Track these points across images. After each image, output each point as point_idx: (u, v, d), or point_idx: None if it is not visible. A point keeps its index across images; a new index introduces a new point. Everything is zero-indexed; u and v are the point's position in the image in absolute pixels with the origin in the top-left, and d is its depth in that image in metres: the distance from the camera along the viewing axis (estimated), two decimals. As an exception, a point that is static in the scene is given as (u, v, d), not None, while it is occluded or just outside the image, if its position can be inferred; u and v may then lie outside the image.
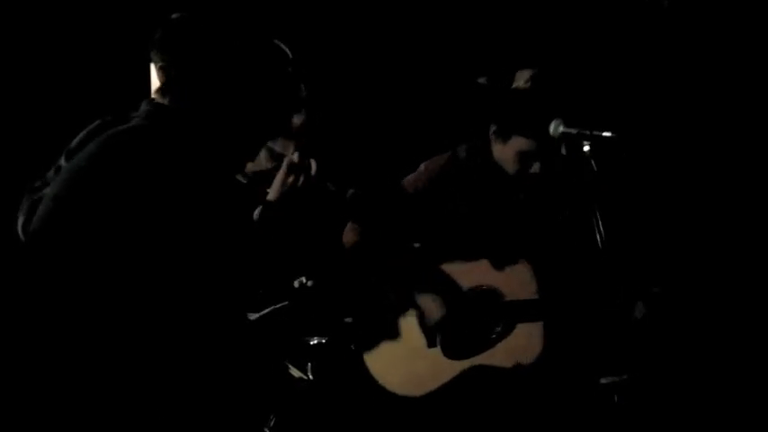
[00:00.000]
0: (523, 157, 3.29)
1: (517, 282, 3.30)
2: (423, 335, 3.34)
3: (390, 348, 3.39)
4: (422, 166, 3.49)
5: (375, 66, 4.34)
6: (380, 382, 3.39)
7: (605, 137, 2.92)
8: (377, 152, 4.16)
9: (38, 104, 3.91)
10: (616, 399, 3.12)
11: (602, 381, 3.18)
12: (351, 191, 3.35)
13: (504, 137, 3.32)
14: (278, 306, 3.24)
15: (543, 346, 3.26)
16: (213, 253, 2.19)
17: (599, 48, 4.15)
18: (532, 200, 3.41)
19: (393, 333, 3.38)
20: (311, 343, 3.49)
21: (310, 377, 3.44)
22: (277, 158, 2.75)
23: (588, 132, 2.95)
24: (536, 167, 3.29)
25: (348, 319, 3.54)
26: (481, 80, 3.46)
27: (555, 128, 3.04)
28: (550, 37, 4.21)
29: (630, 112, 3.91)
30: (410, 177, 3.48)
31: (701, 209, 4.02)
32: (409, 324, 3.36)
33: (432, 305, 3.31)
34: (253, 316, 3.21)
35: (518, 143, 3.29)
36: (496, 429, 3.31)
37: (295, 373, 3.44)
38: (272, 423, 3.33)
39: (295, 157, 2.61)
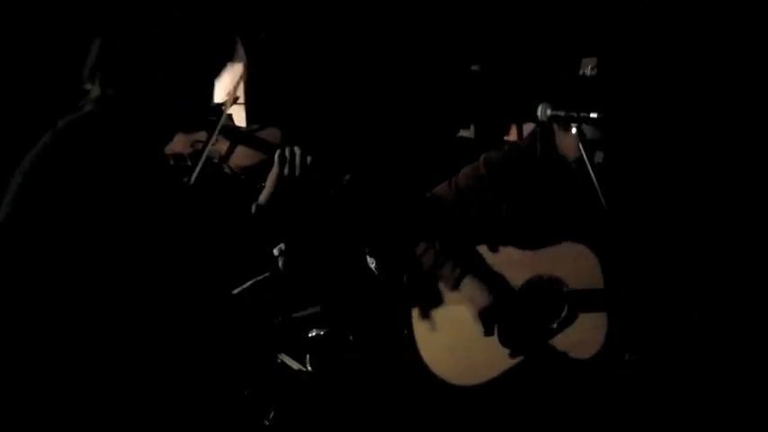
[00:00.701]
0: (587, 146, 3.17)
1: (581, 271, 3.20)
2: (479, 323, 3.27)
3: (445, 336, 3.32)
4: (453, 179, 3.40)
5: (370, 56, 4.34)
6: (433, 369, 3.33)
7: (593, 118, 2.89)
8: (372, 142, 4.15)
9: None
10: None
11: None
12: (347, 176, 3.33)
13: (567, 125, 3.21)
14: (259, 278, 3.23)
15: (606, 338, 3.15)
16: (177, 236, 2.19)
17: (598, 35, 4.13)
18: (594, 188, 3.32)
19: (449, 321, 3.32)
20: (310, 335, 3.49)
21: (309, 369, 3.44)
22: (267, 150, 2.71)
23: (575, 114, 2.92)
24: (599, 156, 3.18)
25: (349, 306, 3.54)
26: (474, 68, 3.42)
27: (542, 111, 3.01)
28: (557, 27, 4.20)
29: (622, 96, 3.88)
30: (441, 187, 3.41)
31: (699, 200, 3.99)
32: (465, 312, 3.31)
33: (478, 293, 3.24)
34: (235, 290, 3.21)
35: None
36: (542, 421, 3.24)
37: (294, 365, 3.44)
38: (271, 416, 3.34)
39: (287, 150, 2.59)
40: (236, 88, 2.60)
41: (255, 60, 2.68)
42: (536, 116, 3.01)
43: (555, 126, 3.25)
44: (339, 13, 4.34)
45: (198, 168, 2.54)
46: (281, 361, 3.44)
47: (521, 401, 3.25)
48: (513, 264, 3.27)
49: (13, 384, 2.14)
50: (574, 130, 2.88)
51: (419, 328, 3.35)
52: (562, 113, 2.95)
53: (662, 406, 3.36)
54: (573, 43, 4.04)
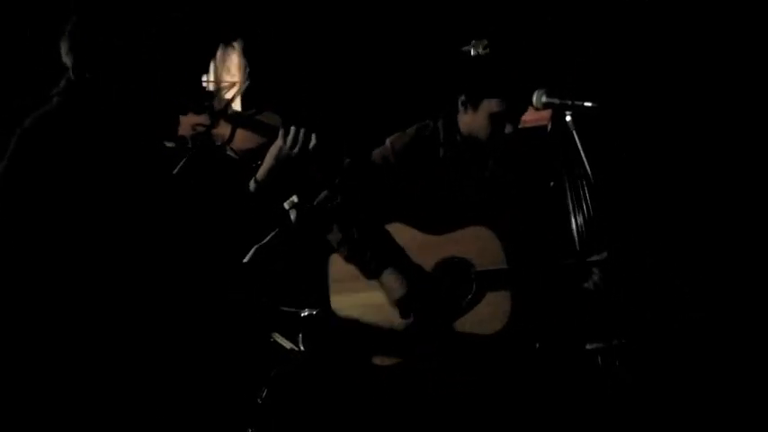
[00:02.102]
0: (496, 120, 3.31)
1: (486, 252, 3.35)
2: (396, 308, 3.39)
3: (366, 319, 3.45)
4: (387, 142, 3.52)
5: (364, 46, 4.36)
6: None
7: (587, 107, 2.94)
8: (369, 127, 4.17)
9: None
10: (600, 362, 3.16)
11: (588, 347, 3.21)
12: (347, 160, 3.39)
13: (475, 103, 3.33)
14: (268, 238, 3.26)
15: (511, 314, 3.30)
16: (179, 222, 2.20)
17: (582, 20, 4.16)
18: (502, 168, 3.45)
19: (365, 306, 3.43)
20: (302, 314, 3.52)
21: (301, 348, 3.47)
22: (268, 134, 2.75)
23: (570, 102, 2.97)
24: (509, 128, 3.31)
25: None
26: (466, 48, 3.46)
27: (538, 98, 3.07)
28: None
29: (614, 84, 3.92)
30: (377, 151, 3.52)
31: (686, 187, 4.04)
32: (383, 298, 3.42)
33: (394, 283, 3.37)
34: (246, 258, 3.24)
35: (489, 106, 3.31)
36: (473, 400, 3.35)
37: (286, 344, 3.48)
38: (263, 394, 3.37)
39: (292, 129, 2.63)
40: (232, 74, 2.63)
41: (251, 48, 2.72)
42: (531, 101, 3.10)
43: (461, 108, 3.37)
44: (331, 4, 4.36)
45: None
46: (274, 340, 3.48)
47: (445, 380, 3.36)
48: (423, 247, 3.40)
49: (10, 382, 2.16)
50: (568, 118, 2.94)
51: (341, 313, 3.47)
52: (557, 101, 3.01)
53: (656, 405, 3.45)
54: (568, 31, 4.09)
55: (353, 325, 3.43)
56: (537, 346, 3.38)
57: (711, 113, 4.14)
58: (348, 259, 3.41)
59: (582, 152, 2.95)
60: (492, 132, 3.32)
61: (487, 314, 3.33)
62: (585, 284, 3.25)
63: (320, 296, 3.46)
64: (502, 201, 3.40)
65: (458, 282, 3.37)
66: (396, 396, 3.38)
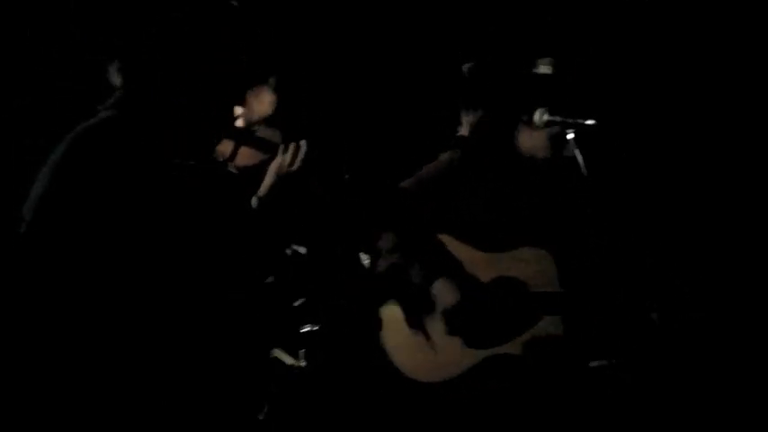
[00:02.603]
0: (556, 141, 3.25)
1: (542, 275, 3.29)
2: (443, 321, 3.32)
3: (411, 334, 3.35)
4: (440, 160, 3.46)
5: (366, 56, 4.37)
6: (400, 367, 3.39)
7: (588, 125, 2.94)
8: (370, 142, 4.19)
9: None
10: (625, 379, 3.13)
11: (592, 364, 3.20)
12: (347, 176, 3.38)
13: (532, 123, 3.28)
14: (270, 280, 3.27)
15: (564, 338, 3.26)
16: (190, 238, 2.21)
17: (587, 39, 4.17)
18: (559, 187, 3.41)
19: (415, 316, 3.38)
20: (303, 330, 3.53)
21: (303, 364, 3.47)
22: (268, 150, 2.77)
23: (572, 120, 2.97)
24: (569, 150, 3.25)
25: (340, 304, 3.57)
26: (466, 67, 3.45)
27: (540, 116, 3.07)
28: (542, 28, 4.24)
29: (616, 102, 3.93)
30: (407, 182, 3.47)
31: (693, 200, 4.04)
32: (432, 309, 3.36)
33: (445, 291, 3.28)
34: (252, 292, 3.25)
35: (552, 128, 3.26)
36: (505, 420, 3.31)
37: (287, 360, 3.48)
38: (265, 410, 3.37)
39: (292, 145, 2.65)
40: (263, 107, 2.68)
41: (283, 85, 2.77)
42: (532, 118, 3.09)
43: (522, 125, 3.32)
44: (333, 14, 4.37)
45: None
46: (275, 356, 3.48)
47: (473, 399, 3.31)
48: (477, 264, 3.32)
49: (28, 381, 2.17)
50: (570, 136, 2.94)
51: (386, 325, 3.41)
52: (558, 119, 3.01)
53: (656, 405, 3.43)
54: (567, 42, 4.09)
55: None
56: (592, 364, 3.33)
57: (707, 113, 4.15)
58: (391, 269, 3.33)
59: (584, 169, 2.96)
60: (552, 151, 3.29)
61: (539, 339, 3.26)
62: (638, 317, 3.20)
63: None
64: (557, 222, 3.35)
65: (509, 302, 3.31)
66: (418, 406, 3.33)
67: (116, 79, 2.33)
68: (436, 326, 3.29)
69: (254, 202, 2.62)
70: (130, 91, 2.29)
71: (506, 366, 3.29)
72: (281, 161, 2.63)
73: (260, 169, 2.73)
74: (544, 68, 3.30)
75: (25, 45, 3.90)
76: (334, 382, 3.52)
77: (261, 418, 3.36)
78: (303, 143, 2.66)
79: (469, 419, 3.30)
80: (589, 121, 2.94)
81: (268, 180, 2.63)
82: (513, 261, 3.30)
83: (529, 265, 3.29)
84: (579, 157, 2.97)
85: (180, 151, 2.34)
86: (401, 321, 3.32)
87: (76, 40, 3.89)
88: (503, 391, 3.29)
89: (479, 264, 3.32)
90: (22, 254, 2.21)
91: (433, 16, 4.36)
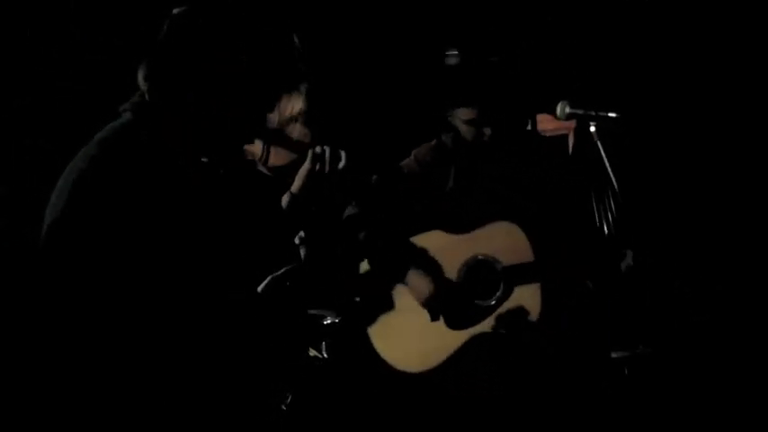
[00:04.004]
0: (471, 125, 3.38)
1: (511, 247, 3.37)
2: (424, 311, 3.42)
3: (395, 325, 3.47)
4: (412, 154, 3.58)
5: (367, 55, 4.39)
6: (386, 359, 3.48)
7: (610, 117, 2.98)
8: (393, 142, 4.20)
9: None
10: (626, 372, 3.19)
11: (614, 355, 3.25)
12: (375, 177, 3.43)
13: (452, 112, 3.40)
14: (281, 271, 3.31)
15: (542, 307, 3.32)
16: (211, 240, 2.23)
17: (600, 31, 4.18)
18: (527, 167, 3.49)
19: (396, 311, 3.46)
20: (325, 322, 3.56)
21: (325, 356, 3.50)
22: (299, 150, 2.79)
23: (594, 113, 3.02)
24: (488, 132, 3.37)
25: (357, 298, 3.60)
26: (450, 55, 3.52)
27: (561, 109, 3.11)
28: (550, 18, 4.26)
29: (636, 94, 3.95)
30: (403, 163, 3.57)
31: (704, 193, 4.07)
32: (412, 301, 3.44)
33: (419, 283, 3.40)
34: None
35: (464, 113, 3.38)
36: (503, 399, 3.37)
37: (310, 351, 3.51)
38: (288, 401, 3.40)
39: (318, 148, 2.66)
40: (293, 115, 2.70)
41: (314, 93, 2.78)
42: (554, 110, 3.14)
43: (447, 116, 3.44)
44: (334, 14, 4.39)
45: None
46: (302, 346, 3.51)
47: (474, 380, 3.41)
48: (447, 248, 3.43)
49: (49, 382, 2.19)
50: (593, 128, 2.98)
51: (372, 323, 3.50)
52: (580, 111, 3.05)
53: (659, 408, 3.49)
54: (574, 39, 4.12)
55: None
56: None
57: (707, 113, 4.17)
58: (372, 267, 3.44)
59: (606, 161, 2.99)
60: (474, 137, 3.36)
61: (517, 310, 3.36)
62: (619, 267, 3.26)
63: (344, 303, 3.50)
64: (527, 198, 3.43)
65: (484, 279, 3.40)
66: (423, 398, 3.40)
67: (142, 84, 2.33)
68: (418, 318, 3.41)
69: (284, 200, 2.63)
70: (155, 96, 2.27)
71: (492, 347, 3.38)
72: (310, 166, 2.65)
73: (292, 168, 2.74)
74: (451, 61, 3.41)
75: (25, 45, 3.89)
76: (356, 373, 3.56)
77: (284, 407, 3.39)
78: (332, 149, 2.67)
79: (469, 416, 3.37)
80: (611, 114, 2.98)
81: (299, 180, 2.64)
82: (483, 238, 3.40)
83: (499, 239, 3.39)
84: (601, 149, 3.00)
85: (208, 151, 2.34)
86: (386, 322, 3.45)
87: (76, 40, 3.89)
88: (492, 372, 3.38)
89: (450, 247, 3.43)
90: (46, 260, 2.21)
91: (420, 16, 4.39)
